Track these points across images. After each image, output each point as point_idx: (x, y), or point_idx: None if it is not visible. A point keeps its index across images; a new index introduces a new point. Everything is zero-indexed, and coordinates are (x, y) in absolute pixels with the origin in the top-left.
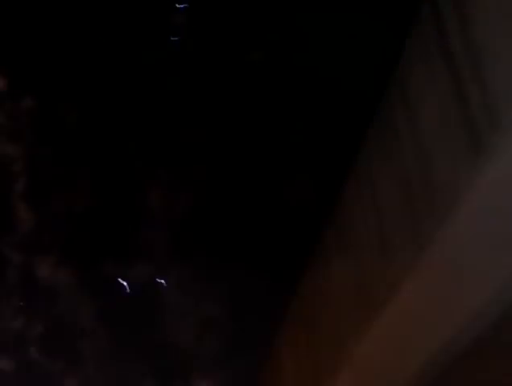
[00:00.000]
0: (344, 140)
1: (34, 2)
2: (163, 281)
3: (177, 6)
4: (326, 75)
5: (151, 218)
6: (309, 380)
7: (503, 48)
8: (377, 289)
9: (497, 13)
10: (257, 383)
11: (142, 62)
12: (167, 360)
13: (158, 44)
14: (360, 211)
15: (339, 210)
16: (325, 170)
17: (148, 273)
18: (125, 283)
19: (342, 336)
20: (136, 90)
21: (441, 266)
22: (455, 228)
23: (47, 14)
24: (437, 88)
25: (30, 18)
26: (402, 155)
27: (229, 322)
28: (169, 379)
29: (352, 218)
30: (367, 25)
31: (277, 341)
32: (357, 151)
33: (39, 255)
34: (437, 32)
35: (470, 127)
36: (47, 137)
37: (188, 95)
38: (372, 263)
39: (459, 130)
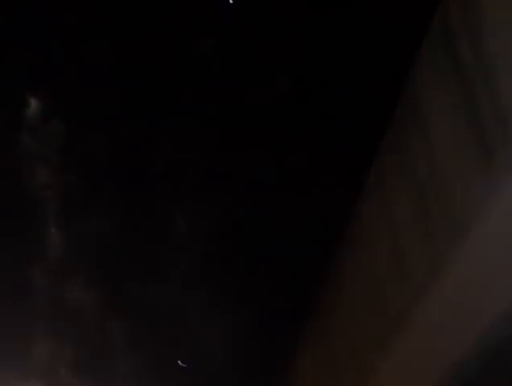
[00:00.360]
0: (357, 154)
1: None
2: (187, 301)
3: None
4: (338, 88)
5: (177, 240)
6: None
7: None
8: (394, 303)
9: (508, 25)
10: None
11: (170, 87)
12: (194, 377)
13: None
14: (375, 226)
15: (354, 224)
16: (339, 184)
17: (173, 293)
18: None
19: (364, 350)
20: (163, 115)
21: (457, 280)
22: (470, 243)
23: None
24: (449, 101)
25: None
26: (415, 170)
27: (250, 338)
28: None
29: (367, 232)
30: (379, 38)
31: (297, 355)
32: (370, 165)
33: (68, 278)
34: (448, 45)
35: (483, 141)
36: (76, 162)
37: (214, 124)
38: (388, 277)
39: (471, 144)
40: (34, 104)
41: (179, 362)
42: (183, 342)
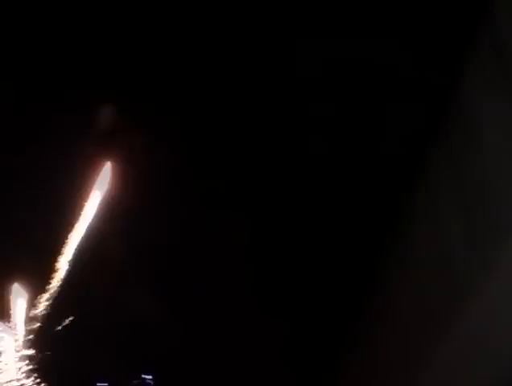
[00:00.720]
0: (405, 161)
1: None
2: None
3: None
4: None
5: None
6: None
7: None
8: (441, 313)
9: None
10: None
11: None
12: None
13: None
14: (422, 235)
15: (401, 234)
16: (387, 194)
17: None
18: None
19: (409, 361)
20: None
21: (505, 291)
22: None
23: None
24: (499, 113)
25: None
26: (463, 181)
27: (289, 347)
28: None
29: (414, 242)
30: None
31: (339, 366)
32: (419, 177)
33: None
34: (497, 55)
35: None
36: None
37: None
38: (436, 287)
39: None
40: None
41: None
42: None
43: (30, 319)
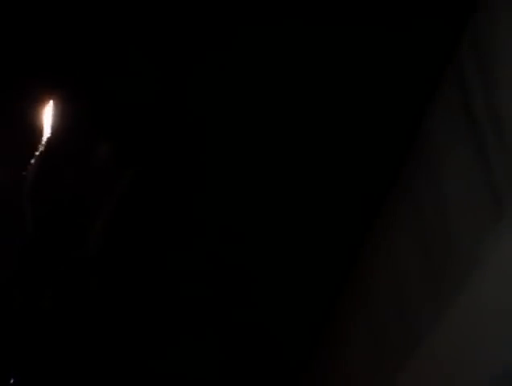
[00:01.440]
0: (363, 198)
1: None
2: None
3: None
4: (349, 134)
5: None
6: None
7: None
8: (393, 353)
9: None
10: None
11: None
12: None
13: None
14: (378, 270)
15: (357, 269)
16: (343, 228)
17: None
18: None
19: None
20: None
21: (459, 331)
22: (474, 292)
23: None
24: (461, 153)
25: None
26: (423, 217)
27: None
28: None
29: (370, 277)
30: (390, 87)
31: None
32: (376, 211)
33: None
34: (462, 96)
35: (493, 192)
36: None
37: None
38: (389, 325)
39: (481, 195)
40: None
41: None
42: None
43: None
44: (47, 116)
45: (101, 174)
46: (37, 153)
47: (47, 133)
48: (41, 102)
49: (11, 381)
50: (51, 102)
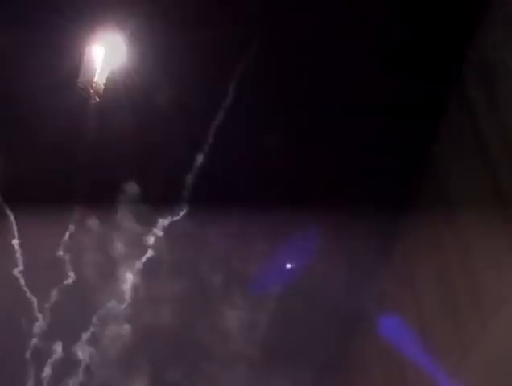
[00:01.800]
0: (383, 231)
1: None
2: None
3: None
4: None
5: None
6: None
7: None
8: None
9: None
10: None
11: None
12: None
13: None
14: (400, 306)
15: (380, 295)
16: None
17: None
18: None
19: None
20: None
21: (484, 368)
22: (499, 329)
23: None
24: (475, 182)
25: None
26: (442, 252)
27: None
28: None
29: (391, 305)
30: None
31: None
32: (395, 244)
33: None
34: (470, 124)
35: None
36: None
37: None
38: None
39: (499, 228)
40: None
41: None
42: None
43: None
44: None
45: None
46: None
47: None
48: None
49: None
50: None
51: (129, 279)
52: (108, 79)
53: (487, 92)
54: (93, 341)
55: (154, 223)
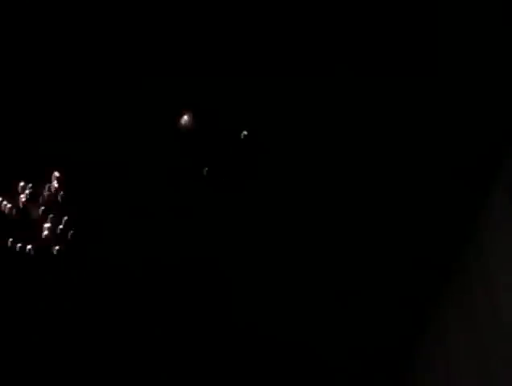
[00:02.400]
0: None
1: None
2: None
3: None
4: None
5: None
6: None
7: None
8: None
9: None
10: None
11: None
12: None
13: None
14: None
15: (410, 372)
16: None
17: None
18: None
19: None
20: None
21: None
22: None
23: None
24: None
25: None
26: (480, 328)
27: None
28: None
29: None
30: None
31: None
32: (430, 315)
33: None
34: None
35: None
36: None
37: None
38: None
39: None
40: None
41: None
42: None
43: None
44: None
45: None
46: None
47: None
48: None
49: None
50: None
51: None
52: None
53: None
54: None
55: None
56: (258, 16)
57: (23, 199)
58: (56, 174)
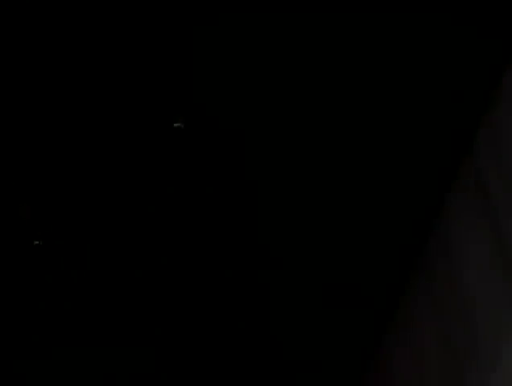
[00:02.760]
0: (386, 285)
1: None
2: None
3: None
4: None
5: None
6: None
7: None
8: None
9: None
10: None
11: None
12: None
13: None
14: (400, 359)
15: (378, 355)
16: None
17: None
18: None
19: None
20: None
21: None
22: (498, 382)
23: None
24: (480, 245)
25: None
26: (442, 306)
27: None
28: None
29: (391, 365)
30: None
31: None
32: (397, 298)
33: None
34: (478, 188)
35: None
36: None
37: None
38: None
39: (501, 286)
40: None
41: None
42: None
43: None
44: None
45: None
46: None
47: None
48: None
49: None
50: None
51: None
52: None
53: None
54: None
55: None
56: None
57: None
58: None
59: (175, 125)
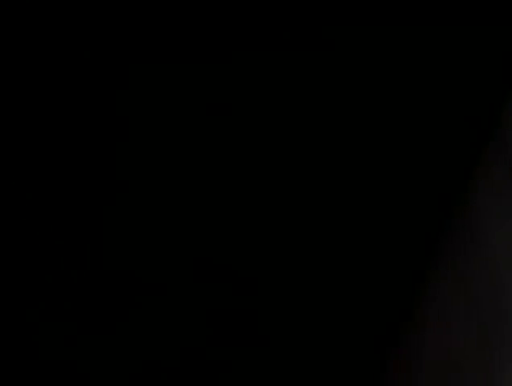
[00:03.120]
0: (411, 259)
1: None
2: None
3: None
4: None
5: None
6: None
7: None
8: None
9: None
10: None
11: None
12: None
13: None
14: (428, 333)
15: (406, 330)
16: (393, 287)
17: None
18: None
19: None
20: None
21: None
22: None
23: None
24: (509, 223)
25: None
26: (471, 283)
27: None
28: None
29: (421, 340)
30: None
31: None
32: (424, 274)
33: None
34: (505, 162)
35: None
36: None
37: None
38: None
39: None
40: None
41: None
42: None
43: None
44: None
45: None
46: None
47: None
48: None
49: None
50: None
51: None
52: None
53: None
54: None
55: None
56: None
57: None
58: None
59: None
